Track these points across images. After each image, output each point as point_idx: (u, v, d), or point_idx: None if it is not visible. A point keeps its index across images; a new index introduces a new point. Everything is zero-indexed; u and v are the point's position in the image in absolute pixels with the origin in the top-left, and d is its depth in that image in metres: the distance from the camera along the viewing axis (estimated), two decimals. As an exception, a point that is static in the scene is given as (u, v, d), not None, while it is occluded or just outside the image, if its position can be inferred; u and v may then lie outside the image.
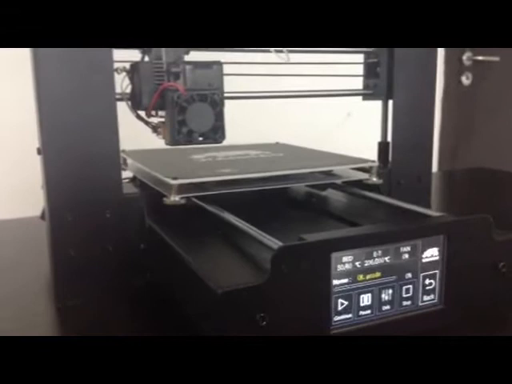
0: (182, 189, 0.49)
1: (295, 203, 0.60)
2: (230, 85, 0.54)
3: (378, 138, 0.65)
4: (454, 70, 1.61)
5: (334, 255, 0.36)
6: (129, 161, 0.65)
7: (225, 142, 0.54)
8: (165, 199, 0.49)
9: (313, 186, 0.60)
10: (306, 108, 1.13)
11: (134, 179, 0.63)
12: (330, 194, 0.60)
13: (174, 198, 0.48)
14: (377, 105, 0.66)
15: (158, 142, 0.57)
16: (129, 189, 0.52)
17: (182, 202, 0.48)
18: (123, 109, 0.50)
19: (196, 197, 0.50)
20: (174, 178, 0.48)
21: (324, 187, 0.59)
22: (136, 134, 0.58)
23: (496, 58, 1.63)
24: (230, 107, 0.53)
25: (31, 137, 0.57)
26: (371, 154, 0.63)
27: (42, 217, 0.57)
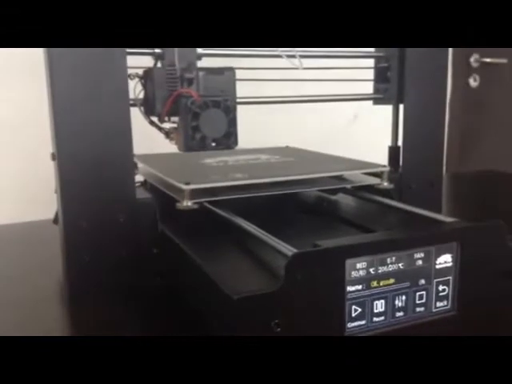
0: (194, 194, 0.49)
1: (306, 208, 0.60)
2: (240, 89, 0.54)
3: (385, 140, 0.65)
4: (461, 73, 1.61)
5: (349, 262, 0.36)
6: (139, 165, 0.65)
7: (235, 145, 0.54)
8: (178, 204, 0.49)
9: (324, 191, 0.60)
10: (313, 111, 1.13)
11: (144, 183, 0.63)
12: (341, 198, 0.60)
13: (187, 203, 0.48)
14: (383, 107, 0.66)
15: (166, 146, 0.57)
16: (141, 193, 0.52)
17: (195, 206, 0.49)
18: (133, 114, 0.51)
19: (208, 201, 0.50)
20: (187, 183, 0.49)
21: (335, 192, 0.59)
22: (146, 139, 0.59)
23: (504, 60, 1.63)
24: (238, 111, 0.53)
25: (42, 141, 0.58)
26: (378, 156, 0.63)
27: (55, 221, 0.57)
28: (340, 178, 0.58)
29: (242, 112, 0.54)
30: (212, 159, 0.64)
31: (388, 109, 0.65)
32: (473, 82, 1.65)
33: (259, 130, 0.92)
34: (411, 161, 0.61)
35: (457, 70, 1.57)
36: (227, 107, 0.49)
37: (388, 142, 0.65)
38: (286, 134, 0.84)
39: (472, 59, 1.63)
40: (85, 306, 0.48)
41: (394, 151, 0.63)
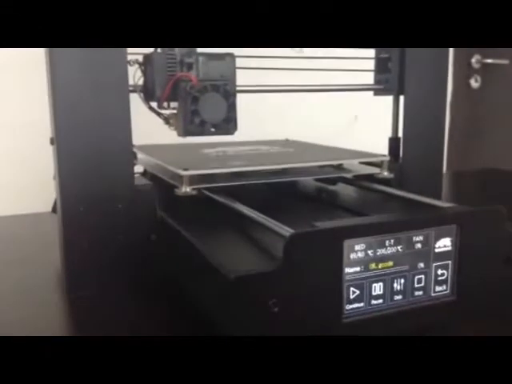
0: (192, 180, 0.49)
1: (305, 196, 0.60)
2: (240, 78, 0.54)
3: (385, 139, 0.65)
4: (462, 73, 1.61)
5: (347, 243, 0.36)
6: (139, 155, 0.65)
7: (233, 139, 0.54)
8: (176, 190, 0.49)
9: (323, 181, 0.60)
10: (314, 112, 1.14)
11: (144, 173, 0.63)
12: (341, 187, 0.59)
13: (185, 189, 0.49)
14: (384, 108, 0.66)
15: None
16: (140, 180, 0.52)
17: (193, 193, 0.49)
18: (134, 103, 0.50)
19: (207, 188, 0.50)
20: (185, 169, 0.49)
21: (334, 181, 0.59)
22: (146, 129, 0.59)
23: (505, 61, 1.63)
24: (239, 107, 0.53)
25: (41, 135, 0.58)
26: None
27: (54, 210, 0.57)
28: (340, 168, 0.58)
29: (242, 108, 0.53)
30: (212, 149, 0.64)
31: (388, 109, 0.65)
32: (474, 83, 1.65)
33: (256, 124, 0.92)
34: (411, 151, 0.61)
35: (458, 71, 1.57)
36: (227, 92, 0.48)
37: (387, 141, 0.65)
38: (286, 134, 0.84)
39: (473, 60, 1.63)
40: (83, 293, 0.48)
41: (394, 142, 0.63)
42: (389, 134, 0.64)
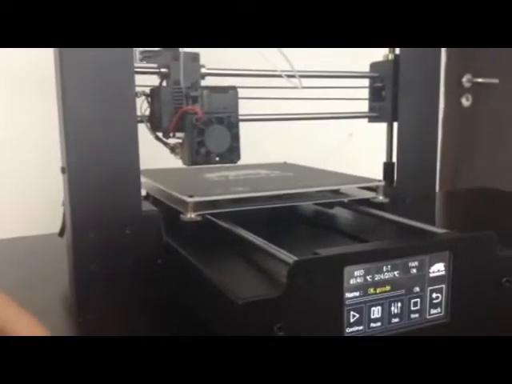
0: (197, 206, 0.51)
1: (305, 220, 0.62)
2: (242, 108, 0.56)
3: (379, 157, 0.67)
4: (453, 92, 1.65)
5: (347, 269, 0.38)
6: (142, 179, 0.67)
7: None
8: (182, 216, 0.51)
9: (321, 204, 0.62)
10: (310, 130, 1.16)
11: (147, 197, 0.65)
12: (338, 211, 0.62)
13: (191, 215, 0.51)
14: (377, 126, 0.68)
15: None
16: (146, 206, 0.54)
17: (198, 218, 0.51)
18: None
19: (211, 214, 0.52)
20: (190, 196, 0.51)
21: (332, 205, 0.61)
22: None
23: (495, 80, 1.67)
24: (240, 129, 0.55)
25: (49, 157, 0.60)
26: (372, 172, 0.65)
27: (60, 234, 0.59)
28: (337, 192, 0.61)
29: (241, 130, 0.56)
30: (213, 174, 0.66)
31: (381, 127, 0.68)
32: (465, 102, 1.68)
33: (255, 146, 0.94)
34: (405, 176, 0.64)
35: (449, 89, 1.60)
36: (230, 123, 0.51)
37: (381, 159, 0.68)
38: (283, 152, 0.87)
39: (464, 79, 1.67)
40: (92, 316, 0.49)
41: (388, 167, 0.65)
42: (381, 151, 0.67)
